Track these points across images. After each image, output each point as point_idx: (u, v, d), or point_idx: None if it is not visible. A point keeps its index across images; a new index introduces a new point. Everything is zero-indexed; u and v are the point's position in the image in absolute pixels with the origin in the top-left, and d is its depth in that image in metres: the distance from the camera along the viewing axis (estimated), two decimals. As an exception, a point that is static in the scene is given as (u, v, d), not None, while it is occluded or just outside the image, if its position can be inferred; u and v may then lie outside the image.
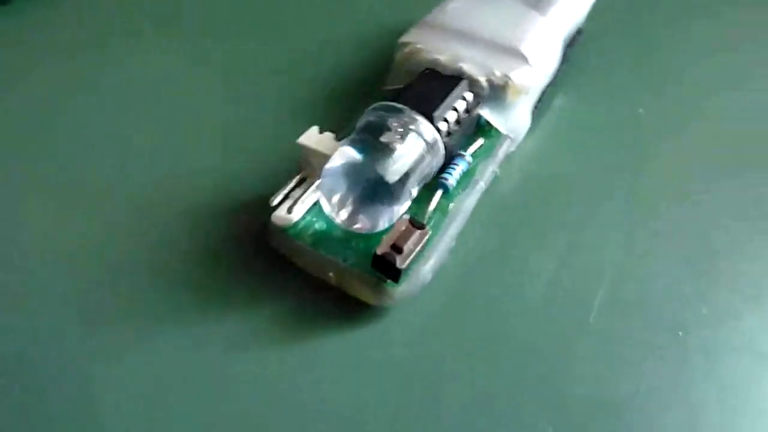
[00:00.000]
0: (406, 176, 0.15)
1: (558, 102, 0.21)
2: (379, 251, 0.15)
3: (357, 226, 0.15)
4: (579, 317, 0.16)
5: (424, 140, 0.16)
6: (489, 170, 0.18)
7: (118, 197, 0.18)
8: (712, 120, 0.21)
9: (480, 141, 0.18)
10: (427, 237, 0.15)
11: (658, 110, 0.21)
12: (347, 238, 0.16)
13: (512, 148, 0.19)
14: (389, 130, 0.16)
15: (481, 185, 0.17)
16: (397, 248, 0.15)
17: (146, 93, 0.22)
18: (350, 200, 0.15)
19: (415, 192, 0.16)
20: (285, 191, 0.16)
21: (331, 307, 0.16)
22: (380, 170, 0.15)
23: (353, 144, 0.16)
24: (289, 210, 0.16)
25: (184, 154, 0.20)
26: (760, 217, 0.18)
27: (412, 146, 0.16)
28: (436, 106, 0.16)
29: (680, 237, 0.18)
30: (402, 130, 0.16)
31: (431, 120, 0.16)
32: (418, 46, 0.19)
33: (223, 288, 0.16)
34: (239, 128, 0.20)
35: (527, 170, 0.19)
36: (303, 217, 0.16)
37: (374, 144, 0.16)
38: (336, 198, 0.15)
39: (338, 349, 0.15)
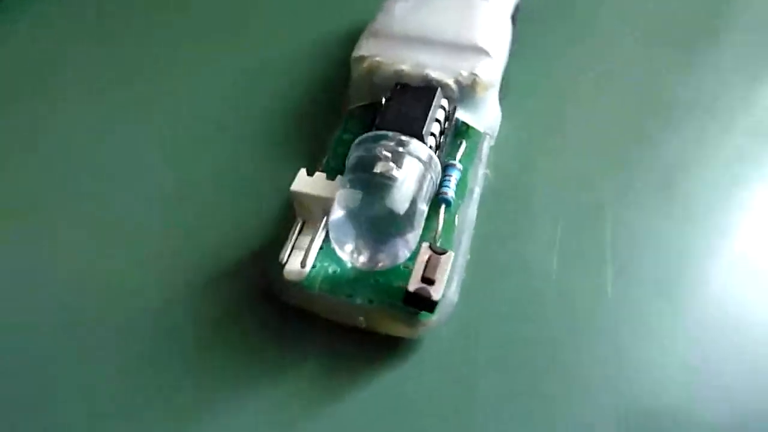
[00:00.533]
0: (413, 201, 0.15)
1: (513, 82, 0.21)
2: (412, 288, 0.14)
3: (380, 264, 0.15)
4: (597, 298, 0.16)
5: (420, 160, 0.16)
6: (480, 174, 0.18)
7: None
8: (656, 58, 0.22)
9: (464, 145, 0.18)
10: (451, 260, 0.15)
11: (603, 62, 0.22)
12: (365, 275, 0.15)
13: (491, 143, 0.19)
14: (380, 159, 0.15)
15: (477, 191, 0.17)
16: (428, 280, 0.14)
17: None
18: (365, 243, 0.15)
19: (425, 212, 0.16)
20: (291, 244, 0.16)
21: (361, 349, 0.15)
22: (388, 204, 0.15)
23: (351, 185, 0.15)
24: (302, 263, 0.15)
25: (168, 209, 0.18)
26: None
27: (410, 169, 0.15)
28: (421, 123, 0.16)
29: (658, 188, 0.19)
30: (391, 155, 0.15)
31: (420, 138, 0.16)
32: (377, 59, 0.18)
33: (245, 354, 0.15)
34: (210, 176, 0.19)
35: (502, 162, 0.19)
36: (313, 265, 0.16)
37: (371, 180, 0.15)
38: (349, 245, 0.15)
39: (381, 390, 0.15)
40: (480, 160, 0.18)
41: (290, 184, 0.16)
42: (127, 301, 0.16)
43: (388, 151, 0.16)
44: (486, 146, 0.18)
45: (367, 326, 0.15)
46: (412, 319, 0.15)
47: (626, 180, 0.19)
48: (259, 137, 0.20)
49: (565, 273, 0.17)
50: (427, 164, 0.16)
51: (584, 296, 0.16)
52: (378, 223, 0.15)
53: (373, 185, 0.15)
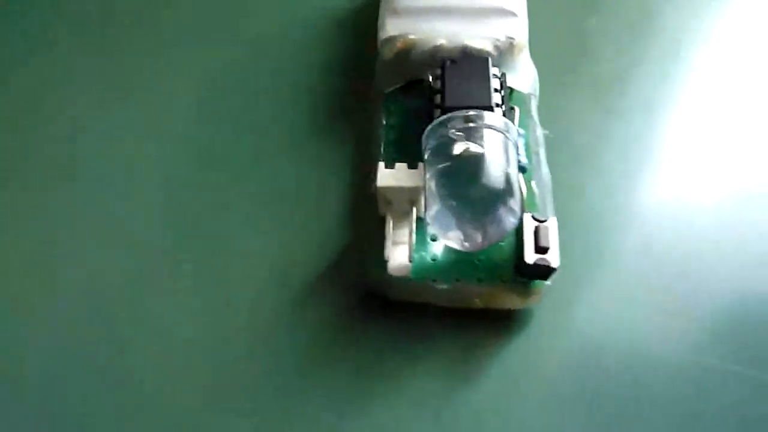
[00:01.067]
0: (509, 170, 0.15)
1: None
2: (530, 260, 0.14)
3: (494, 240, 0.15)
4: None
5: (497, 129, 0.16)
6: (538, 134, 0.18)
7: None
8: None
9: (517, 110, 0.18)
10: (556, 226, 0.15)
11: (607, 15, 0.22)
12: (465, 257, 0.15)
13: (536, 103, 0.19)
14: (455, 141, 0.15)
15: (542, 152, 0.17)
16: (542, 249, 0.15)
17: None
18: (472, 226, 0.15)
19: (518, 177, 0.15)
20: (390, 241, 0.15)
21: (478, 330, 0.16)
22: (483, 181, 0.15)
23: (437, 177, 0.15)
24: (410, 257, 0.15)
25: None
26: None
27: (491, 141, 0.15)
28: (487, 94, 0.16)
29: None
30: (464, 133, 0.15)
31: (491, 110, 0.16)
32: (411, 36, 0.18)
33: (370, 358, 0.15)
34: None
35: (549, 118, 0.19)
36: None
37: (456, 164, 0.15)
38: (455, 234, 0.15)
39: (511, 364, 0.15)
40: (533, 120, 0.18)
41: (359, 180, 0.16)
42: (234, 336, 0.16)
43: (460, 131, 0.15)
44: (534, 106, 0.18)
45: (481, 305, 0.15)
46: (525, 290, 0.15)
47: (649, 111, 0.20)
48: (288, 142, 0.19)
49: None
50: (505, 131, 0.16)
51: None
52: (478, 203, 0.15)
53: (459, 168, 0.15)
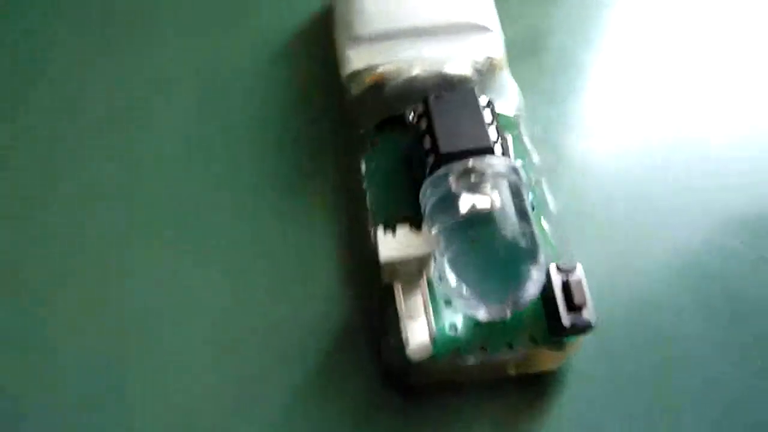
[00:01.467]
0: (526, 220, 0.13)
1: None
2: (566, 322, 0.13)
3: (522, 307, 0.13)
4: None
5: (502, 175, 0.14)
6: (536, 161, 0.16)
7: None
8: None
9: (509, 137, 0.16)
10: (583, 274, 0.13)
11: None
12: (489, 324, 0.14)
13: (525, 124, 0.17)
14: (458, 198, 0.13)
15: (545, 180, 0.16)
16: (575, 307, 0.13)
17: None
18: (498, 294, 0.13)
19: (534, 223, 0.14)
20: (404, 322, 0.13)
21: (512, 400, 0.14)
22: (509, 238, 0.13)
23: (446, 241, 0.13)
24: (431, 337, 0.13)
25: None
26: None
27: (500, 189, 0.13)
28: (484, 134, 0.14)
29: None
30: (468, 187, 0.13)
31: (492, 151, 0.14)
32: (380, 70, 0.16)
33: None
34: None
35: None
36: (430, 331, 0.14)
37: (465, 225, 0.13)
38: (484, 312, 0.13)
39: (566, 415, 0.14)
40: (527, 147, 0.16)
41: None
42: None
43: (464, 186, 0.13)
44: (524, 129, 0.17)
45: (515, 372, 0.14)
46: (559, 346, 0.14)
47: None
48: (263, 195, 0.17)
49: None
50: (511, 174, 0.14)
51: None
52: (499, 268, 0.13)
53: (469, 229, 0.13)
